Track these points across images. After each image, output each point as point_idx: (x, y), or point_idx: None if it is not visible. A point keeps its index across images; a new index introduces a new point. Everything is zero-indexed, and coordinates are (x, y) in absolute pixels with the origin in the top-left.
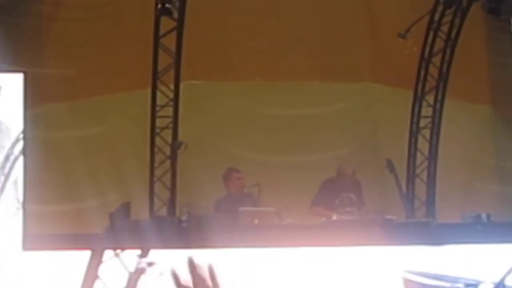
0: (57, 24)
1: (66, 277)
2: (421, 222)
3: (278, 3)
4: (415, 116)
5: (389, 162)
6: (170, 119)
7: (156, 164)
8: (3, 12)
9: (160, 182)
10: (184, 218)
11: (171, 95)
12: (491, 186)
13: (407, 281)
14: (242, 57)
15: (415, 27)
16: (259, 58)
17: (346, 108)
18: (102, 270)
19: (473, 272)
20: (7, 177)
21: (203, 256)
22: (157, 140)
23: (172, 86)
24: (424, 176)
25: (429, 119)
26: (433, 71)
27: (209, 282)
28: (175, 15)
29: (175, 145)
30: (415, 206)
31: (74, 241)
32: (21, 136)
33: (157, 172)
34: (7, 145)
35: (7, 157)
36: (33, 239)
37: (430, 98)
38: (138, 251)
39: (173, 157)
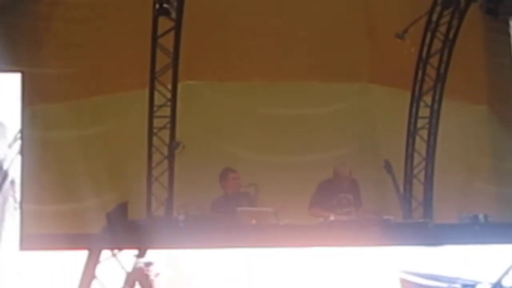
0: (55, 24)
1: (64, 277)
2: (419, 222)
3: (276, 4)
4: (413, 116)
5: (386, 163)
6: (167, 119)
7: (153, 164)
8: (1, 12)
9: (158, 182)
10: (181, 218)
11: (169, 95)
12: (488, 186)
13: (404, 282)
14: (240, 57)
15: (413, 28)
16: (257, 58)
17: (344, 108)
18: (99, 270)
19: (471, 273)
20: (4, 177)
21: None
22: (155, 140)
23: (170, 86)
24: (421, 176)
25: (427, 120)
26: (431, 71)
27: None
28: (173, 15)
29: (172, 145)
30: (413, 206)
31: (72, 241)
32: (19, 135)
33: (155, 172)
34: (5, 144)
35: (4, 157)
36: (31, 239)
37: (427, 98)
38: (136, 251)
39: (171, 157)
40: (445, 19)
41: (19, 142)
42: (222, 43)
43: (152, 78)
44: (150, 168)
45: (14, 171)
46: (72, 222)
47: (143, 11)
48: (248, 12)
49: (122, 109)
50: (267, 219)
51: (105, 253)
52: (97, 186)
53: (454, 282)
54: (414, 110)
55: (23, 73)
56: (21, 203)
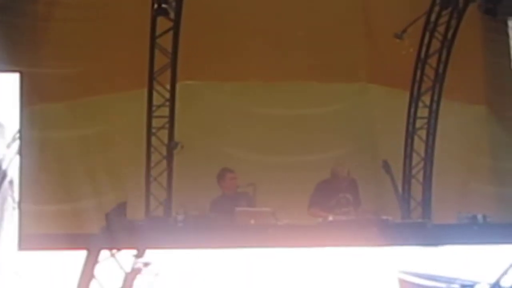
0: (53, 24)
1: (62, 277)
2: (417, 222)
3: (275, 4)
4: (411, 116)
5: (385, 163)
6: (166, 119)
7: (152, 164)
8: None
9: (156, 182)
10: (180, 218)
11: (167, 95)
12: (487, 186)
13: (402, 282)
14: (239, 57)
15: (412, 28)
16: (255, 59)
17: (343, 108)
18: (98, 270)
19: (469, 273)
20: (3, 177)
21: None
22: (153, 140)
23: (168, 86)
24: (420, 176)
25: (425, 120)
26: (429, 71)
27: None
28: (172, 15)
29: (171, 145)
30: (411, 206)
31: (70, 241)
32: (18, 135)
33: (153, 172)
34: (3, 144)
35: (3, 157)
36: (29, 239)
37: (426, 98)
38: (134, 251)
39: (169, 157)
40: (443, 19)
41: (17, 142)
42: (220, 43)
43: (151, 78)
44: (148, 168)
45: (13, 171)
46: (70, 222)
47: (142, 11)
48: (247, 12)
49: (120, 109)
50: (265, 219)
51: (104, 253)
52: (96, 186)
53: (452, 282)
54: (412, 110)
55: (21, 73)
56: (19, 203)
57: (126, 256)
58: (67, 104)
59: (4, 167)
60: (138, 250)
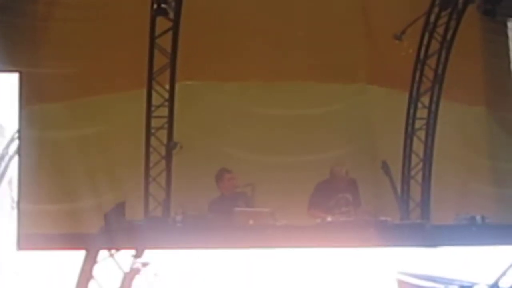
0: (52, 24)
1: (61, 277)
2: (416, 223)
3: (274, 4)
4: (410, 117)
5: (384, 163)
6: (165, 119)
7: (151, 164)
8: None
9: (155, 182)
10: (179, 218)
11: (167, 96)
12: (486, 187)
13: (401, 283)
14: (238, 57)
15: (411, 29)
16: (255, 59)
17: (342, 109)
18: (96, 270)
19: (468, 274)
20: (2, 176)
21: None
22: (152, 140)
23: (167, 87)
24: (419, 177)
25: (424, 121)
26: (429, 72)
27: None
28: (171, 15)
29: (170, 146)
30: (410, 207)
31: (69, 241)
32: (16, 135)
33: (152, 172)
34: (2, 144)
35: (2, 157)
36: (28, 238)
37: (425, 99)
38: (133, 251)
39: (168, 157)
40: (442, 20)
41: (16, 142)
42: (220, 43)
43: (150, 78)
44: (147, 168)
45: (12, 170)
46: (69, 222)
47: (141, 11)
48: (246, 13)
49: (119, 109)
50: (264, 220)
51: (103, 253)
52: (95, 186)
53: (451, 284)
54: (411, 111)
55: (21, 73)
56: (18, 202)
57: (125, 256)
58: (66, 104)
59: (3, 166)
60: (136, 250)
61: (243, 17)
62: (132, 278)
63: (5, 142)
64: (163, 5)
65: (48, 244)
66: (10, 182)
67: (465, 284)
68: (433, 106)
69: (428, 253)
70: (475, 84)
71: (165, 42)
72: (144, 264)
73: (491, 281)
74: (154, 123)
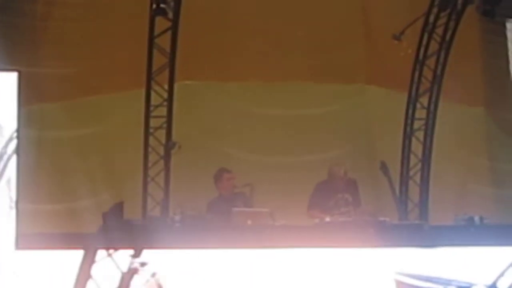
0: (51, 24)
1: (59, 276)
2: (414, 224)
3: (273, 4)
4: (409, 118)
5: (382, 164)
6: (164, 119)
7: (149, 164)
8: None
9: (154, 182)
10: (177, 218)
11: (165, 95)
12: (484, 188)
13: (399, 283)
14: (237, 57)
15: (410, 29)
16: (254, 59)
17: (341, 109)
18: (94, 269)
19: (466, 275)
20: (0, 176)
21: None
22: (151, 140)
23: (166, 86)
24: (417, 178)
25: (423, 121)
26: (427, 73)
27: None
28: (170, 15)
29: (168, 145)
30: (408, 208)
31: (67, 241)
32: (15, 135)
33: (151, 172)
34: (1, 144)
35: (0, 156)
36: (26, 238)
37: (424, 100)
38: (131, 251)
39: (167, 157)
40: (442, 20)
41: (15, 141)
42: (219, 43)
43: (149, 78)
44: (146, 168)
45: (10, 170)
46: (67, 221)
47: (140, 11)
48: (245, 13)
49: (118, 109)
50: (262, 220)
51: (101, 253)
52: (93, 185)
53: (449, 284)
54: (410, 111)
55: (19, 72)
56: (17, 202)
57: (123, 256)
58: (65, 103)
59: (1, 166)
60: (135, 250)
61: (242, 17)
62: (130, 278)
63: (3, 141)
64: (162, 5)
65: (46, 244)
66: (8, 181)
67: (463, 284)
68: (432, 106)
69: (426, 253)
70: (474, 84)
71: (164, 42)
72: (142, 264)
73: (490, 282)
74: (153, 123)
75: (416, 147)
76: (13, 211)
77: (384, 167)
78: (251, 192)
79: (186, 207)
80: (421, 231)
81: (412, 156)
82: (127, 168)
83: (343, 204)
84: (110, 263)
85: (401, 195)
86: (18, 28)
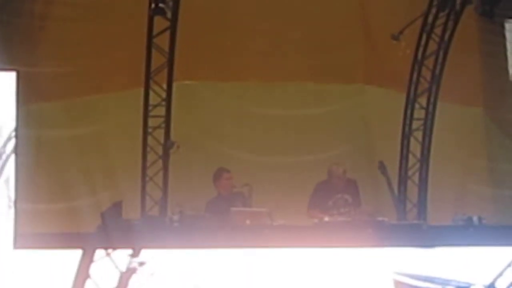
0: (50, 23)
1: (58, 276)
2: (413, 224)
3: (272, 4)
4: (408, 118)
5: (381, 164)
6: (162, 119)
7: (148, 164)
8: None
9: (152, 181)
10: (175, 218)
11: (164, 95)
12: (483, 188)
13: (398, 283)
14: (236, 57)
15: (409, 30)
16: (252, 59)
17: (339, 109)
18: (93, 269)
19: (464, 275)
20: None
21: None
22: (149, 139)
23: (165, 86)
24: (416, 178)
25: (422, 121)
26: (426, 73)
27: None
28: (169, 14)
29: (167, 145)
30: (407, 208)
31: (66, 240)
32: (13, 134)
33: (149, 172)
34: None
35: None
36: (25, 237)
37: (422, 100)
38: (130, 251)
39: (165, 156)
40: (440, 20)
41: (13, 140)
42: (217, 43)
43: (147, 78)
44: (144, 167)
45: (9, 169)
46: (66, 221)
47: (139, 10)
48: (244, 13)
49: (117, 108)
50: (261, 220)
51: (99, 253)
52: (92, 185)
53: (448, 284)
54: (409, 111)
55: (18, 72)
56: (15, 201)
57: (122, 256)
58: (64, 103)
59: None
60: (133, 249)
61: (242, 17)
62: (128, 278)
63: (2, 141)
64: (160, 5)
65: (44, 243)
66: (7, 181)
67: (462, 284)
68: (430, 106)
69: (425, 253)
70: (473, 85)
71: (163, 41)
72: (141, 264)
73: (488, 282)
74: (151, 122)
75: (415, 147)
76: (12, 211)
77: (382, 167)
78: (249, 192)
79: (184, 207)
80: (419, 231)
81: (410, 156)
82: (126, 167)
83: (343, 205)
84: (109, 263)
85: (400, 195)
86: (17, 28)
